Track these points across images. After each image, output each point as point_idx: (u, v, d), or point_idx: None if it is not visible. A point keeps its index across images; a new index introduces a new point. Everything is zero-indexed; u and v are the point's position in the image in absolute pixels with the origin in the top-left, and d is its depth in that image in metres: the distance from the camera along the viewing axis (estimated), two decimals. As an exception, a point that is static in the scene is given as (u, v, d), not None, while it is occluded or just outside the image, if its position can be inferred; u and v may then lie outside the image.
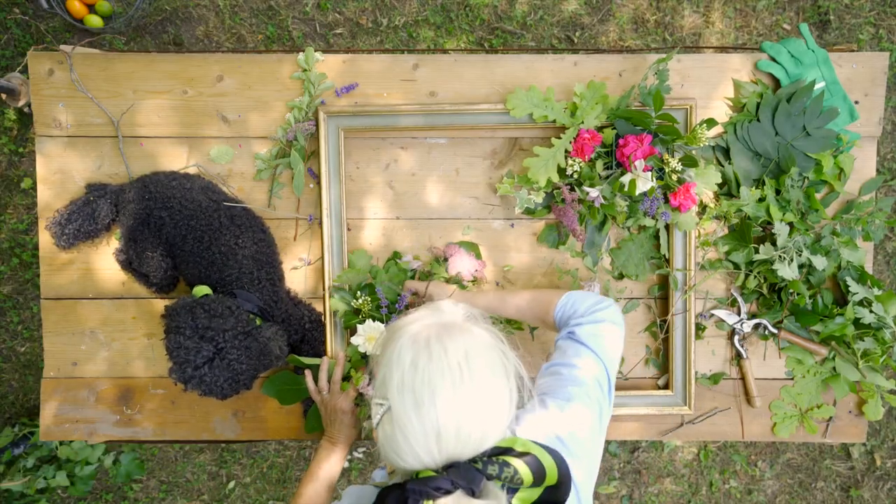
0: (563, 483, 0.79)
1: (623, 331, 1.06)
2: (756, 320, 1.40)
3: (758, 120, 1.35)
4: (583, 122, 1.31)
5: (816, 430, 1.42)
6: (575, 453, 0.88)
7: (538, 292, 1.18)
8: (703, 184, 1.31)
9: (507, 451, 0.77)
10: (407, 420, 0.76)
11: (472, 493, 0.73)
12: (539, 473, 0.77)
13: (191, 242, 1.28)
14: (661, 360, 1.43)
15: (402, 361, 0.79)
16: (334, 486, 1.24)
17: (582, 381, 0.94)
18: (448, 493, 0.73)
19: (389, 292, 1.34)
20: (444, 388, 0.76)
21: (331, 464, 1.23)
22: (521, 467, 0.76)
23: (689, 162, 1.29)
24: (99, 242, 1.40)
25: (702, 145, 1.29)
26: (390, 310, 1.32)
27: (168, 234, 1.28)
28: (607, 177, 1.33)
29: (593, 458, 0.92)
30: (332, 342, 1.37)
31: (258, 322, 1.26)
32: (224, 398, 1.19)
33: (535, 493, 0.78)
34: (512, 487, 0.77)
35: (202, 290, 1.24)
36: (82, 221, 1.33)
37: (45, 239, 1.39)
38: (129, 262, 1.35)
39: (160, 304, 1.41)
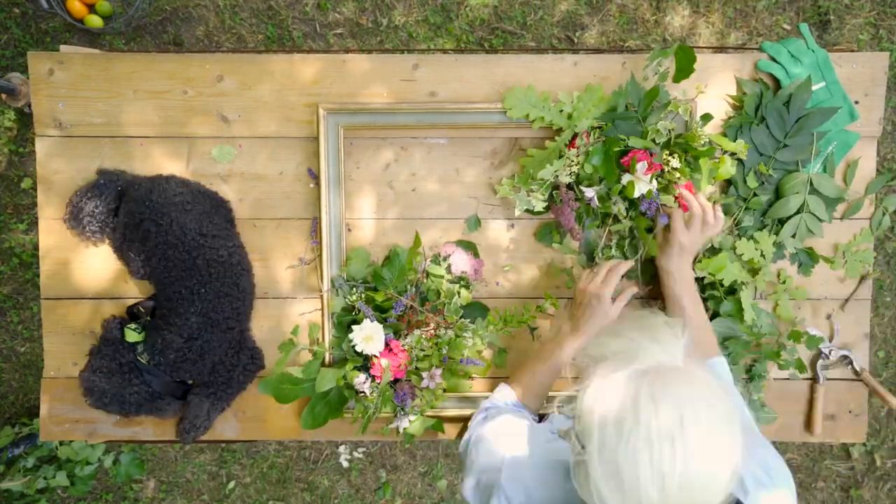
0: None
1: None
2: (844, 352, 1.39)
3: (757, 123, 1.35)
4: (576, 126, 1.31)
5: None
6: None
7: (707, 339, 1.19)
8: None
9: None
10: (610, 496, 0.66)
11: None
12: None
13: (162, 270, 1.27)
14: None
15: (604, 420, 0.66)
16: (559, 373, 1.20)
17: None
18: None
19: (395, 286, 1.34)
20: (651, 464, 0.64)
21: (563, 348, 1.19)
22: None
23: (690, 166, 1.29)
24: (99, 241, 1.39)
25: (701, 142, 1.29)
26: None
27: (150, 249, 1.27)
28: (607, 177, 1.32)
29: None
30: (327, 341, 1.37)
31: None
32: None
33: None
34: None
35: (133, 335, 1.32)
36: (94, 206, 1.31)
37: (45, 239, 1.39)
38: (117, 247, 1.34)
39: (160, 304, 1.41)
